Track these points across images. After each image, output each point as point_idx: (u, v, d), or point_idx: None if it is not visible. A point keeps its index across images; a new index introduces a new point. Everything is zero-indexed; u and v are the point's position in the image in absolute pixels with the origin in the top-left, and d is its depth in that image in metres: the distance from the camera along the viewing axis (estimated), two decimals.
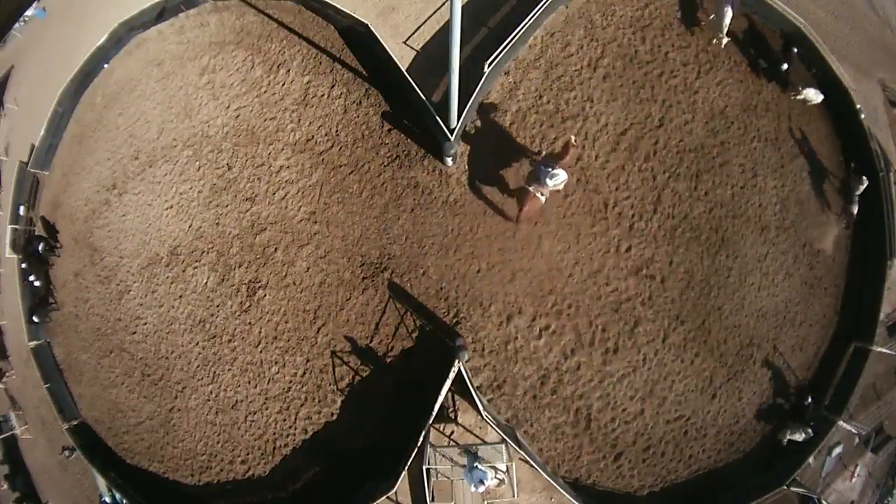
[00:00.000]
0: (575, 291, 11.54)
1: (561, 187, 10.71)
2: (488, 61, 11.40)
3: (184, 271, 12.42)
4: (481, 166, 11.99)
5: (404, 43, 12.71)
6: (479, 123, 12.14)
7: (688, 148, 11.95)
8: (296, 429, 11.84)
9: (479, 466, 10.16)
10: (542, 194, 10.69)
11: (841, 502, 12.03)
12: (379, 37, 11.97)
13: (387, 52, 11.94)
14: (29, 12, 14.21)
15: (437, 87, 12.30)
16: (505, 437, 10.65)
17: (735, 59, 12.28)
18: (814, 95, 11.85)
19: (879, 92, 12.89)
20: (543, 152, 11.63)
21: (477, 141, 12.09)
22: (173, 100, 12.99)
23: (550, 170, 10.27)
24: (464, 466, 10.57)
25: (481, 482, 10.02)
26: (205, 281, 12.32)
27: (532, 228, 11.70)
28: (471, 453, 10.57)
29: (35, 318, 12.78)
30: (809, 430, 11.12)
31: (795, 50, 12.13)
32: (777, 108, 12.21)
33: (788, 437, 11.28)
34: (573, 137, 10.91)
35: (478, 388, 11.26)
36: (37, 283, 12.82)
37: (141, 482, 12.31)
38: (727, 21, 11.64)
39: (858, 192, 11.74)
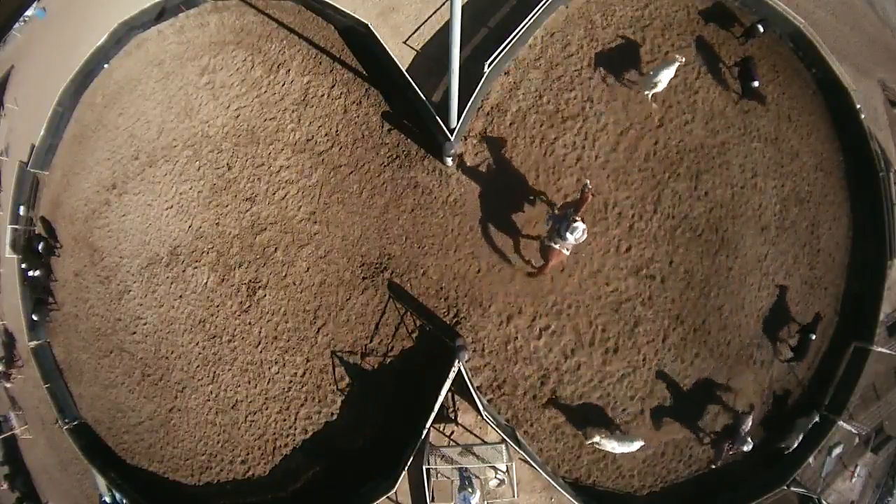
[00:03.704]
0: (575, 291, 11.53)
1: (582, 240, 10.26)
2: (488, 61, 11.39)
3: (184, 271, 12.41)
4: (481, 166, 12.01)
5: (404, 43, 12.71)
6: (479, 123, 12.14)
7: (688, 148, 11.94)
8: (296, 429, 11.84)
9: (469, 489, 10.24)
10: (566, 249, 10.45)
11: (841, 502, 12.03)
12: (379, 37, 11.97)
13: (387, 52, 11.94)
14: (29, 12, 14.18)
15: (437, 87, 12.30)
16: (505, 437, 10.65)
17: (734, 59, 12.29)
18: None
19: (879, 92, 12.88)
20: (559, 204, 11.17)
21: (477, 141, 12.09)
22: (173, 100, 12.99)
23: (570, 223, 9.95)
24: (461, 470, 10.70)
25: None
26: (205, 281, 12.32)
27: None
28: (463, 476, 10.64)
29: (34, 317, 12.77)
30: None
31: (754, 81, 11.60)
32: (777, 109, 12.20)
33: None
34: (588, 183, 10.47)
35: (478, 388, 11.25)
36: (36, 274, 12.69)
37: (141, 482, 12.31)
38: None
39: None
